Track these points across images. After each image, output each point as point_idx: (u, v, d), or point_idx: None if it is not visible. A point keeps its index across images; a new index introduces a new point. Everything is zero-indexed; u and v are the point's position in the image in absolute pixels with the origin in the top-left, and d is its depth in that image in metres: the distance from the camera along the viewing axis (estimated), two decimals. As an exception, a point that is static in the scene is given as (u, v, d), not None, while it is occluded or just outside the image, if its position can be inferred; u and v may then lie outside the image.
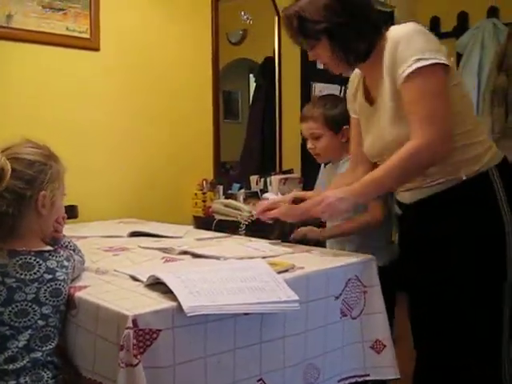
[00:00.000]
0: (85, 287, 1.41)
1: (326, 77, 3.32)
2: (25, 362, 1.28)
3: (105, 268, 1.60)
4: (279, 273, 1.50)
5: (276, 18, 3.89)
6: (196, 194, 3.29)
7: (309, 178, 3.55)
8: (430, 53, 1.58)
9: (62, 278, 1.37)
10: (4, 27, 2.55)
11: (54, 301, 1.34)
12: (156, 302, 1.25)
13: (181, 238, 2.19)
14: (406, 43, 1.61)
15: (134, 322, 1.17)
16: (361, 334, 1.69)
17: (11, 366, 1.26)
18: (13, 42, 2.60)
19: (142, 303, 1.24)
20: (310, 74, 4.03)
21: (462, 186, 1.66)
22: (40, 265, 1.34)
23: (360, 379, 1.68)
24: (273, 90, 3.95)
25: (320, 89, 4.08)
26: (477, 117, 1.88)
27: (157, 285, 1.34)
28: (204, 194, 3.28)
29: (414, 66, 1.57)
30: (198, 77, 3.44)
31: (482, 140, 1.71)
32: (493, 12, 4.61)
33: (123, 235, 2.23)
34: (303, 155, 4.00)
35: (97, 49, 2.87)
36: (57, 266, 1.37)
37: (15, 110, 2.68)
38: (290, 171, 3.73)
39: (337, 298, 1.63)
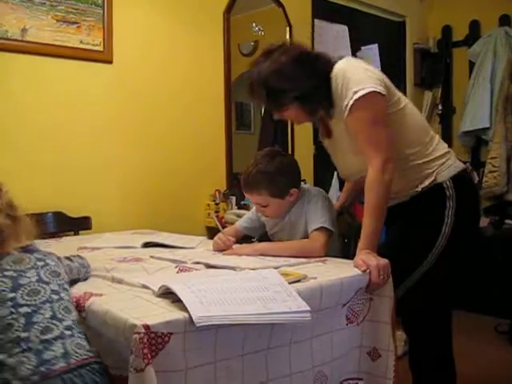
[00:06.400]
0: (97, 295, 1.42)
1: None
2: (61, 329, 1.29)
3: (119, 277, 1.61)
4: (291, 283, 1.50)
5: (287, 29, 3.90)
6: (209, 205, 3.30)
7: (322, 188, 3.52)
8: (365, 83, 1.74)
9: (53, 263, 1.46)
10: (19, 41, 2.59)
11: (56, 280, 1.41)
12: (166, 312, 1.26)
13: (193, 248, 2.19)
14: (344, 79, 1.78)
15: (145, 327, 1.17)
16: (360, 338, 1.69)
17: (49, 335, 1.26)
18: (27, 55, 2.64)
19: (152, 312, 1.25)
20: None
21: (420, 196, 1.90)
22: (29, 257, 1.42)
23: (353, 382, 1.69)
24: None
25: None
26: (430, 132, 1.98)
27: (168, 294, 1.34)
28: (217, 204, 3.29)
29: (354, 98, 1.73)
30: (211, 88, 3.47)
31: (438, 156, 1.90)
32: (505, 20, 4.60)
33: (137, 246, 2.24)
34: (316, 165, 4.02)
35: (110, 61, 2.91)
36: (44, 256, 1.46)
37: (29, 121, 2.71)
38: (303, 181, 3.71)
39: (344, 305, 1.64)
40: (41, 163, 2.74)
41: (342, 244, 2.24)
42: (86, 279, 1.64)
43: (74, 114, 2.84)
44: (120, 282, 1.57)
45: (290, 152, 3.97)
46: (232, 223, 3.03)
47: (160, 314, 1.24)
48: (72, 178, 2.84)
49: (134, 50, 3.07)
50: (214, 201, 3.31)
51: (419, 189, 1.89)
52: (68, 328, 1.30)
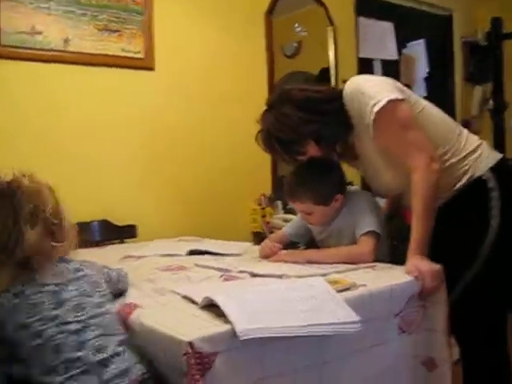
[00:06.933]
0: (140, 307, 1.39)
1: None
2: (113, 346, 1.24)
3: (162, 287, 1.58)
4: (340, 291, 1.44)
5: (330, 29, 3.85)
6: (254, 210, 3.25)
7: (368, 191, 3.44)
8: (380, 95, 1.70)
9: (92, 273, 1.38)
10: (61, 51, 2.61)
11: (98, 291, 1.34)
12: (211, 325, 1.21)
13: (240, 255, 2.15)
14: (359, 97, 1.74)
15: (191, 345, 1.13)
16: (414, 348, 1.62)
17: (104, 354, 1.21)
18: (70, 65, 2.66)
19: (197, 326, 1.21)
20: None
21: (460, 194, 1.80)
22: (67, 268, 1.34)
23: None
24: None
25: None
26: (457, 129, 1.88)
27: (212, 306, 1.30)
28: (263, 209, 3.23)
29: (374, 112, 1.69)
30: (254, 91, 3.41)
31: (471, 151, 1.81)
32: (557, 8, 4.41)
33: (182, 254, 2.22)
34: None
35: (151, 68, 2.90)
36: (81, 265, 1.38)
37: (74, 131, 2.73)
38: (350, 183, 3.63)
39: (396, 315, 1.57)
40: (87, 173, 2.76)
41: (391, 246, 2.16)
42: (125, 290, 1.59)
43: (118, 122, 2.84)
44: (162, 293, 1.54)
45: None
46: (279, 228, 2.98)
47: (204, 328, 1.20)
48: (117, 186, 2.85)
49: (175, 57, 3.06)
50: (260, 205, 3.26)
51: (458, 187, 1.80)
52: (120, 343, 1.26)
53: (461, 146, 1.82)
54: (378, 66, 4.28)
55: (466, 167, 1.80)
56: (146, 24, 2.84)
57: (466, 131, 1.90)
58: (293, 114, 1.80)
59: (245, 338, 1.17)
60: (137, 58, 2.82)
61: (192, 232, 2.87)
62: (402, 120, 1.72)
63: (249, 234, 3.23)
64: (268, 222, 3.13)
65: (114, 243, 2.73)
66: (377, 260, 1.85)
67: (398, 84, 1.83)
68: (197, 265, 1.95)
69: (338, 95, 1.84)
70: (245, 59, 3.39)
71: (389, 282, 1.57)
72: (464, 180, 1.80)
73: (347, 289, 1.49)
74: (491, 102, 4.81)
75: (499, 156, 1.87)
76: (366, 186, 3.83)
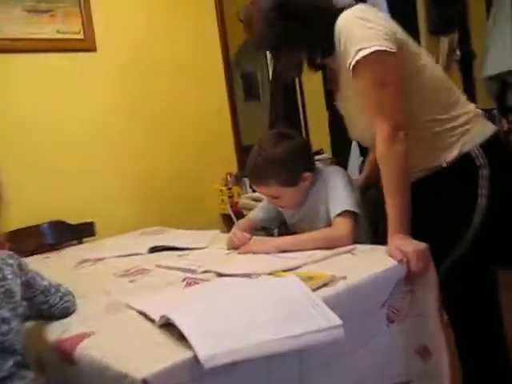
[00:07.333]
0: (89, 335, 1.19)
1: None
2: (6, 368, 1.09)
3: (117, 302, 1.41)
4: (317, 289, 1.27)
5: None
6: (221, 191, 3.05)
7: (341, 158, 3.31)
8: (370, 41, 1.52)
9: (10, 276, 1.19)
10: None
11: (9, 303, 1.15)
12: (171, 353, 1.03)
13: (206, 248, 1.97)
14: (347, 34, 1.56)
15: (146, 382, 0.95)
16: (405, 337, 1.47)
17: None
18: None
19: (153, 356, 1.03)
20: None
21: (445, 170, 1.64)
22: None
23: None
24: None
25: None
26: (454, 94, 1.71)
27: (172, 325, 1.11)
28: (229, 189, 3.05)
29: (356, 58, 1.53)
30: (208, 61, 3.25)
31: (462, 123, 1.65)
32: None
33: (143, 252, 2.04)
34: (333, 132, 3.76)
35: (93, 49, 2.66)
36: (2, 264, 1.20)
37: (12, 127, 2.51)
38: (319, 152, 3.46)
39: (383, 305, 1.41)
40: (33, 171, 2.54)
41: (369, 223, 2.00)
42: (71, 313, 1.38)
43: (62, 112, 2.62)
44: (118, 308, 1.36)
45: (301, 119, 3.73)
46: (249, 209, 2.81)
47: (161, 358, 1.01)
48: (68, 182, 2.63)
49: (119, 34, 2.81)
50: (226, 185, 3.06)
51: (443, 164, 1.64)
52: (16, 365, 1.10)
53: (453, 114, 1.65)
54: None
55: (453, 139, 1.63)
56: (81, 0, 2.58)
57: (463, 99, 1.72)
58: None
59: (210, 365, 0.99)
60: (75, 40, 2.56)
61: (157, 222, 2.66)
62: (380, 75, 1.54)
63: (218, 217, 3.04)
64: (236, 203, 2.95)
65: (72, 244, 2.52)
66: (356, 242, 1.69)
67: (401, 33, 1.63)
68: (158, 266, 1.78)
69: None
70: (196, 32, 3.16)
71: (371, 270, 1.41)
72: (451, 156, 1.63)
73: (325, 285, 1.32)
74: (458, 52, 4.68)
75: (491, 130, 1.69)
76: (337, 153, 3.73)
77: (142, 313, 1.27)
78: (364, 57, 1.52)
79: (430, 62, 1.69)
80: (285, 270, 1.47)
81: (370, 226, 1.97)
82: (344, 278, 1.36)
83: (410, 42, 1.65)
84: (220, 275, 1.53)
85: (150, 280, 1.62)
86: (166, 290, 1.48)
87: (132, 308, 1.32)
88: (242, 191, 3.03)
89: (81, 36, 2.60)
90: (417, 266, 1.46)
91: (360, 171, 3.42)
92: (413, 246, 1.47)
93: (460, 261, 1.63)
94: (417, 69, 1.63)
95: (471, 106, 1.71)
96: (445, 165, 1.63)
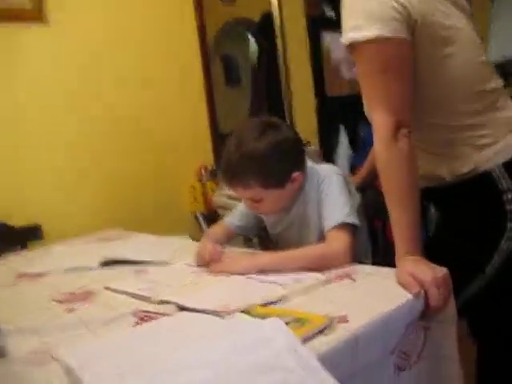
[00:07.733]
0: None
1: (338, 24, 2.77)
2: None
3: (47, 348, 1.09)
4: (307, 340, 0.95)
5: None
6: (193, 187, 2.71)
7: (330, 150, 3.03)
8: (369, 19, 1.25)
9: None
10: None
11: None
12: None
13: (167, 264, 1.63)
14: (347, 8, 1.30)
15: None
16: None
17: None
18: None
19: None
20: (317, 23, 3.53)
21: (454, 185, 1.40)
22: None
23: None
24: (275, 49, 3.48)
25: (331, 39, 3.58)
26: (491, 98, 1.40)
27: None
28: (203, 184, 2.72)
29: (348, 39, 1.28)
30: (181, 42, 2.89)
31: (484, 135, 1.36)
32: None
33: (93, 266, 1.71)
34: (320, 122, 3.44)
35: (41, 20, 2.27)
36: None
37: None
38: (306, 144, 3.15)
39: (392, 352, 1.11)
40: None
41: (369, 234, 1.69)
42: None
43: (5, 94, 2.24)
44: (43, 361, 1.03)
45: (286, 108, 3.43)
46: (225, 208, 2.49)
47: None
48: (11, 178, 2.27)
49: (76, 6, 2.42)
50: (200, 180, 2.73)
51: (447, 176, 1.39)
52: None
53: (473, 122, 1.36)
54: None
55: (467, 148, 1.36)
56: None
57: (503, 103, 1.41)
58: None
59: None
60: (19, 9, 2.17)
61: (119, 224, 2.31)
62: (381, 61, 1.26)
63: (190, 218, 2.71)
64: (210, 200, 2.62)
65: (15, 250, 2.17)
66: (354, 260, 1.41)
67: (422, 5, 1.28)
68: (107, 288, 1.46)
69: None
70: (170, 7, 2.83)
71: (379, 307, 1.09)
72: (460, 167, 1.37)
73: (321, 331, 0.99)
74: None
75: None
76: (326, 146, 3.43)
77: (69, 371, 0.93)
78: (360, 43, 1.26)
79: (463, 49, 1.34)
80: (265, 304, 1.14)
81: (369, 236, 1.67)
82: (344, 319, 1.04)
83: (439, 15, 1.29)
84: (182, 309, 1.19)
85: (93, 312, 1.29)
86: (107, 333, 1.13)
87: (58, 360, 0.99)
88: (216, 187, 2.70)
89: (28, 6, 2.21)
90: (437, 299, 1.15)
91: (351, 168, 3.16)
92: (431, 273, 1.17)
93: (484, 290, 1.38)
94: (438, 59, 1.31)
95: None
96: (449, 178, 1.39)
